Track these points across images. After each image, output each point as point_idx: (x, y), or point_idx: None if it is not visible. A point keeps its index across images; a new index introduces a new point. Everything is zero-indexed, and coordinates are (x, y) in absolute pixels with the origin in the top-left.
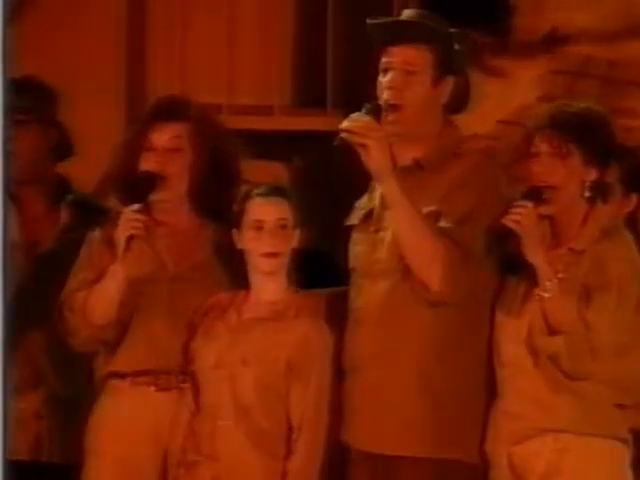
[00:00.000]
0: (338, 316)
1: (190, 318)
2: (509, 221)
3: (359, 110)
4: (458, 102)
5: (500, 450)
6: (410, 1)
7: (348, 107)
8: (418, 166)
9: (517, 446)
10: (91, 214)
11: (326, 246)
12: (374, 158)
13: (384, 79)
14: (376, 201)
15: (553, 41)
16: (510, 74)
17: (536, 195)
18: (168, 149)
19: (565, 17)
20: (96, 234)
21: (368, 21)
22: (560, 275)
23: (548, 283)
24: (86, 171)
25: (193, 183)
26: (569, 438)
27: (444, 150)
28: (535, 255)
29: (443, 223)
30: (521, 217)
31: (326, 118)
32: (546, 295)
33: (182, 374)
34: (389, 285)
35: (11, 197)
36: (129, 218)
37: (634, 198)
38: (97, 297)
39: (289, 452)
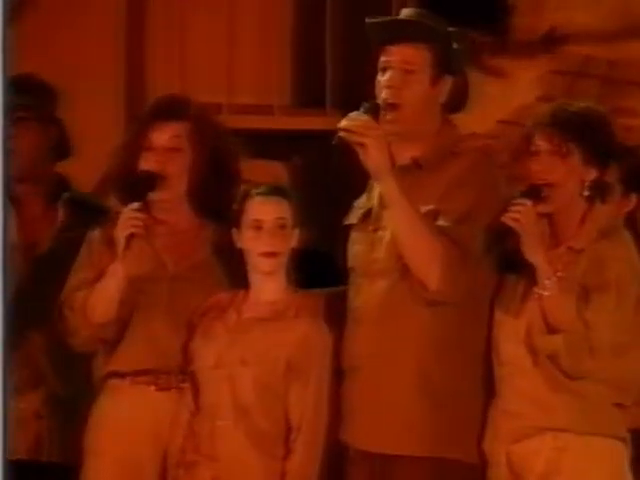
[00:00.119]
0: (337, 316)
1: (189, 318)
2: (508, 219)
3: (358, 110)
4: (456, 101)
5: (499, 449)
6: (409, 0)
7: (347, 107)
8: (416, 165)
9: (516, 445)
10: (88, 212)
11: (325, 246)
12: (372, 157)
13: (383, 78)
14: (375, 200)
15: (552, 41)
16: (509, 74)
17: (535, 193)
18: (168, 149)
19: (565, 17)
20: (96, 233)
21: (367, 20)
22: (559, 274)
23: (547, 281)
24: (85, 171)
25: (193, 183)
26: (568, 437)
27: (442, 149)
28: (534, 254)
29: (441, 222)
30: (520, 215)
31: (325, 118)
32: (545, 294)
33: (182, 374)
34: (388, 284)
35: (10, 198)
36: (129, 217)
37: (634, 198)
38: (97, 296)
39: (288, 452)
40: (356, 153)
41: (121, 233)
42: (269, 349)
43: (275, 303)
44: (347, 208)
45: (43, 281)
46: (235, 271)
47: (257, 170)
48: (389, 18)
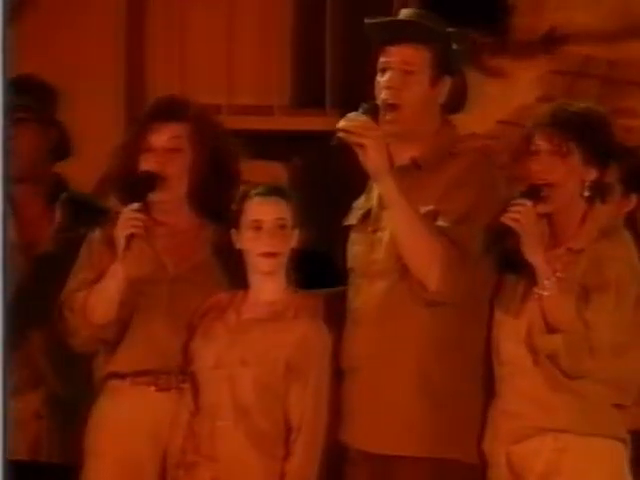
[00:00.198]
0: (337, 316)
1: (189, 318)
2: (508, 219)
3: (358, 110)
4: (456, 102)
5: (499, 449)
6: (409, 1)
7: (347, 107)
8: (416, 166)
9: (516, 445)
10: (86, 212)
11: (324, 246)
12: (371, 158)
13: (382, 79)
14: (374, 201)
15: (552, 41)
16: (509, 74)
17: (535, 193)
18: (167, 149)
19: (564, 17)
20: (96, 234)
21: (366, 21)
22: (559, 274)
23: (547, 281)
24: (84, 171)
25: (192, 183)
26: (568, 438)
27: (442, 150)
28: (534, 254)
29: (441, 222)
30: (520, 215)
31: (325, 118)
32: (545, 293)
33: (182, 374)
34: (387, 285)
35: (9, 198)
36: (129, 217)
37: (633, 198)
38: (97, 297)
39: (288, 453)
40: (355, 154)
41: (121, 233)
42: (269, 349)
43: (274, 303)
44: (346, 209)
45: (43, 281)
46: (235, 272)
47: (257, 171)
48: (388, 19)
